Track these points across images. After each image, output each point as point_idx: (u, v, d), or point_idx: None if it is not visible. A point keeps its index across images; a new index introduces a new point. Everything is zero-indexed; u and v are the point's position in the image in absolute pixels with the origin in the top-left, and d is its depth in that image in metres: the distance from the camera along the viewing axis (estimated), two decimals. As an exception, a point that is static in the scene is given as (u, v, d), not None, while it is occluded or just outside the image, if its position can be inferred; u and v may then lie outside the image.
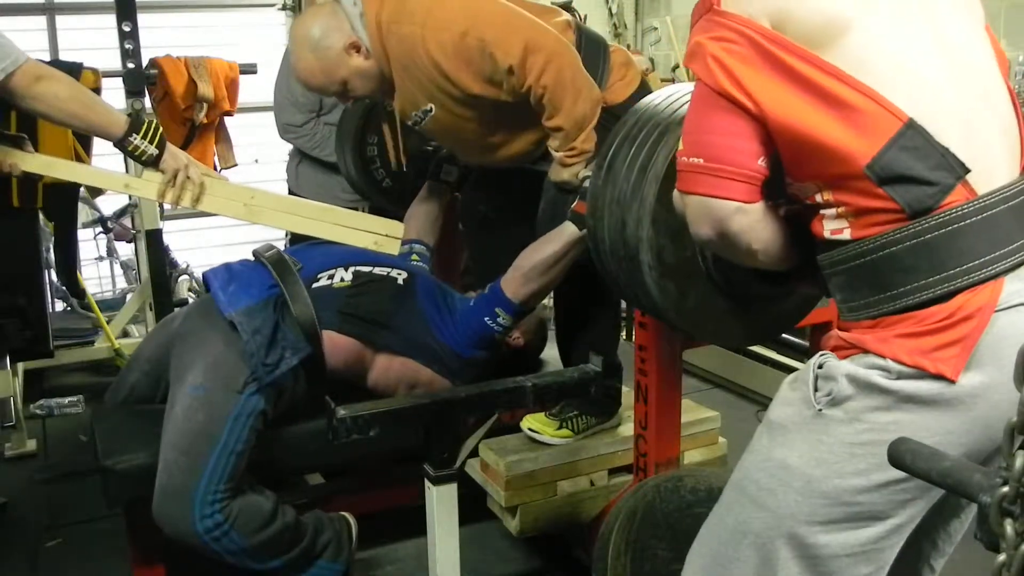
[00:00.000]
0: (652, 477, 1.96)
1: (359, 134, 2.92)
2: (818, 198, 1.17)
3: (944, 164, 1.09)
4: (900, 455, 0.97)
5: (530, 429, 2.29)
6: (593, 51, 2.17)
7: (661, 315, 1.67)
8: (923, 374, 1.11)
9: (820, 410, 1.18)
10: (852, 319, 1.19)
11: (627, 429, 2.31)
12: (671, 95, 1.64)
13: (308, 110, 3.28)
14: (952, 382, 1.10)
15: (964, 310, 1.09)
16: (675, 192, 1.23)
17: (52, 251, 3.88)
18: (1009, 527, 0.77)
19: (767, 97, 1.11)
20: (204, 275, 2.17)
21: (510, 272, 2.09)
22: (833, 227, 1.17)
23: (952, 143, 1.10)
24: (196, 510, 1.85)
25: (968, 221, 1.10)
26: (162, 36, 4.40)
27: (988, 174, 1.12)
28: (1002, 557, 0.77)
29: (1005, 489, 0.78)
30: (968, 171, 1.10)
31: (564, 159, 2.07)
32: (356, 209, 2.98)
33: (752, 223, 1.18)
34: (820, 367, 1.20)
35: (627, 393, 2.19)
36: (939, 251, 1.10)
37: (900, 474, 1.10)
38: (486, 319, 2.09)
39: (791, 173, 1.18)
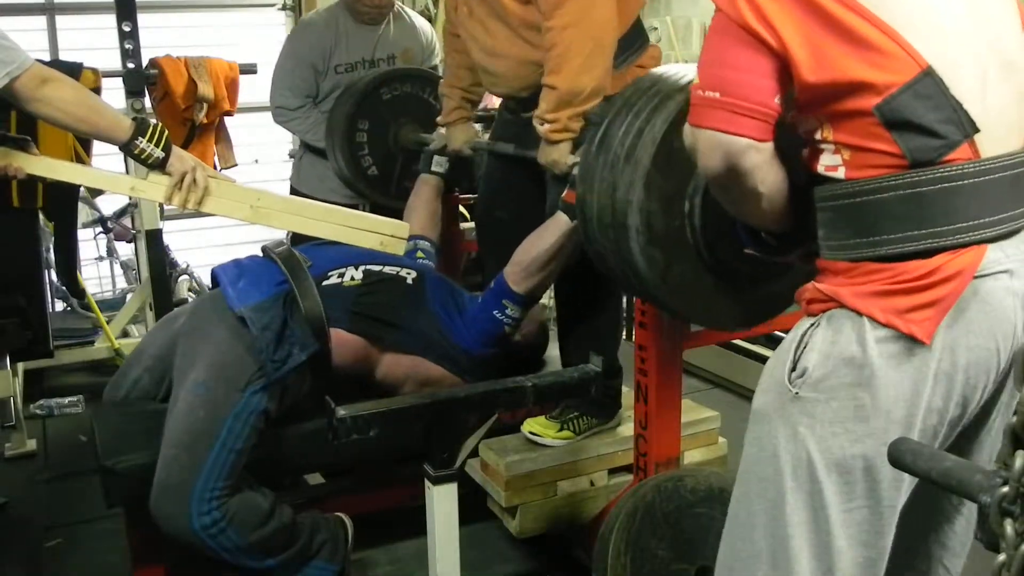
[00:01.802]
0: (652, 477, 1.96)
1: (350, 119, 2.93)
2: (817, 135, 1.16)
3: (955, 119, 1.09)
4: (901, 455, 0.97)
5: (531, 433, 2.29)
6: (637, 31, 2.18)
7: (647, 288, 1.65)
8: (895, 334, 1.11)
9: (797, 393, 1.18)
10: (829, 257, 1.19)
11: (627, 429, 2.31)
12: (670, 71, 1.63)
13: (304, 95, 3.25)
14: (924, 344, 1.10)
15: (944, 271, 1.09)
16: (686, 126, 1.20)
17: (52, 251, 3.88)
18: (1009, 527, 0.78)
19: (790, 30, 1.09)
20: (213, 271, 2.17)
21: (510, 267, 2.10)
22: (828, 163, 1.16)
23: (966, 99, 1.09)
24: (193, 507, 1.86)
25: (967, 181, 1.09)
26: (162, 36, 4.40)
27: (995, 138, 1.12)
28: (1002, 557, 0.77)
29: (1005, 489, 0.78)
30: (978, 131, 1.10)
31: (548, 133, 2.03)
32: (356, 205, 2.99)
33: (762, 162, 1.16)
34: (798, 346, 1.19)
35: (627, 393, 2.19)
36: (931, 206, 1.09)
37: (881, 448, 1.09)
38: (495, 312, 2.10)
39: (800, 106, 1.17)
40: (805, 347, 1.19)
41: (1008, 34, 1.17)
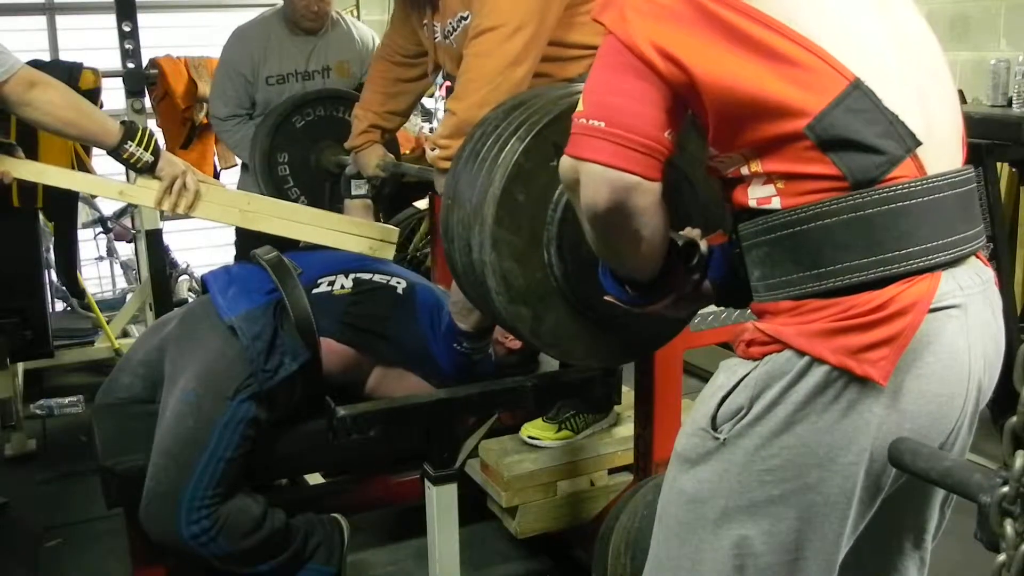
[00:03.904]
0: (652, 477, 1.96)
1: (268, 155, 2.87)
2: (743, 171, 1.07)
3: (892, 133, 1.00)
4: (900, 455, 0.98)
5: (530, 437, 2.29)
6: None
7: (523, 340, 1.58)
8: (844, 376, 1.01)
9: (724, 439, 1.08)
10: (769, 299, 1.08)
11: (627, 429, 2.31)
12: (519, 104, 1.55)
13: (236, 105, 3.17)
14: (879, 386, 1.00)
15: (897, 303, 0.99)
16: (564, 158, 1.08)
17: (52, 251, 3.88)
18: (1009, 527, 0.77)
19: (696, 55, 1.00)
20: (203, 278, 2.17)
21: (451, 305, 2.04)
22: (760, 195, 1.06)
23: (902, 112, 1.01)
24: (182, 515, 1.85)
25: (914, 201, 1.00)
26: (162, 36, 4.40)
27: (938, 154, 1.04)
28: (1002, 557, 0.77)
29: (1005, 489, 0.78)
30: (919, 144, 1.01)
31: (437, 160, 1.95)
32: None
33: (649, 204, 1.05)
34: (728, 393, 1.09)
35: (627, 393, 2.20)
36: (878, 230, 1.00)
37: (816, 498, 1.05)
38: (455, 345, 2.06)
39: (718, 143, 1.07)
40: (737, 388, 1.09)
41: (932, 46, 1.12)
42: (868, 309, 1.00)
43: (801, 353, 1.03)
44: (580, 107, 1.06)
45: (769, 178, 1.05)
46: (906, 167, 1.01)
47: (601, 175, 1.03)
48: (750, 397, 1.07)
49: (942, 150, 1.06)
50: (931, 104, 1.06)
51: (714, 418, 1.10)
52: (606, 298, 1.27)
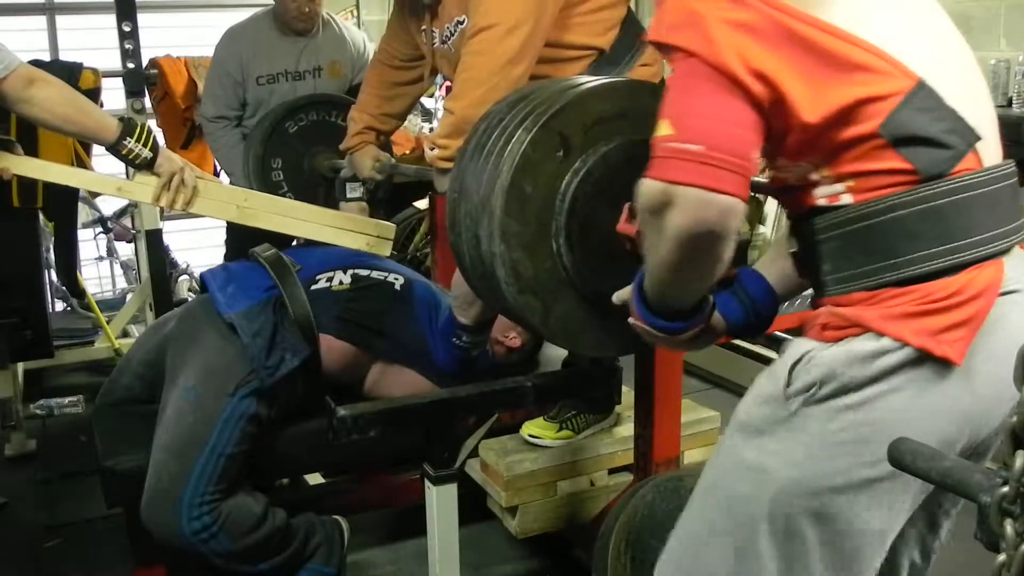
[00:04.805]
0: (652, 477, 1.96)
1: (261, 161, 2.88)
2: (813, 176, 1.11)
3: (957, 128, 1.06)
4: (900, 455, 0.97)
5: (531, 436, 2.28)
6: (630, 31, 2.10)
7: (533, 331, 1.59)
8: (920, 357, 1.06)
9: (795, 410, 1.11)
10: (841, 291, 1.11)
11: (627, 429, 2.31)
12: (527, 95, 1.54)
13: (224, 106, 3.17)
14: (953, 366, 1.05)
15: (971, 288, 1.05)
16: (647, 182, 1.05)
17: (52, 251, 3.88)
18: (1009, 527, 0.77)
19: (784, 72, 1.03)
20: (202, 276, 2.17)
21: (451, 298, 2.05)
22: (829, 193, 1.10)
23: (961, 109, 1.07)
24: (184, 512, 1.85)
25: (977, 192, 1.06)
26: (162, 36, 4.40)
27: (989, 148, 1.10)
28: (1002, 557, 0.77)
29: (1005, 489, 0.78)
30: (979, 138, 1.07)
31: (437, 160, 1.95)
32: None
33: (738, 225, 1.06)
34: (799, 360, 1.12)
35: (627, 393, 2.20)
36: (947, 220, 1.06)
37: (882, 472, 1.07)
38: (454, 339, 2.06)
39: (792, 153, 1.10)
40: (810, 363, 1.11)
41: (962, 44, 1.16)
42: (947, 295, 1.05)
43: (879, 335, 1.07)
44: (668, 131, 1.04)
45: (839, 178, 1.09)
46: (969, 160, 1.07)
47: (702, 199, 1.02)
48: (824, 374, 1.10)
49: (991, 144, 1.11)
50: (979, 101, 1.11)
51: (785, 390, 1.13)
52: (632, 322, 1.27)
